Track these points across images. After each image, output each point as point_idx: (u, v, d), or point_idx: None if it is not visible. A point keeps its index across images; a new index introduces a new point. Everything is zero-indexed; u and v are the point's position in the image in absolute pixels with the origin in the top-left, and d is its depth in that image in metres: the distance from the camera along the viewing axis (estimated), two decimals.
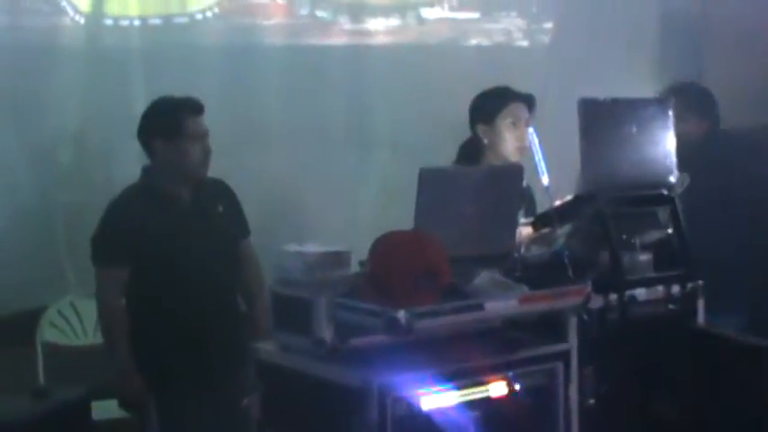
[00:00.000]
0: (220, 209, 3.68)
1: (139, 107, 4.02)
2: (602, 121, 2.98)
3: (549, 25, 5.38)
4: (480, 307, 2.59)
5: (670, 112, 3.07)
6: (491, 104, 3.66)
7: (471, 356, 2.63)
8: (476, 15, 5.14)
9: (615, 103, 3.03)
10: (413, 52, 4.91)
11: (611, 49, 5.29)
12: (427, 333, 2.54)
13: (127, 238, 3.51)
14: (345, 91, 4.68)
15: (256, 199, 3.94)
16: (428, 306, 2.51)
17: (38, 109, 4.00)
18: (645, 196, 3.04)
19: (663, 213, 3.07)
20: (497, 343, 2.72)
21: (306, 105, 4.54)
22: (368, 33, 4.82)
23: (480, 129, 3.67)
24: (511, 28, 5.26)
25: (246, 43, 4.48)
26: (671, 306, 2.97)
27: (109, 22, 4.17)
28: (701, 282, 2.99)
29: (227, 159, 3.76)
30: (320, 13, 4.66)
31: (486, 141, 3.65)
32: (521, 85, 3.78)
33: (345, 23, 4.73)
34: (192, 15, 4.35)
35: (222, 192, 3.73)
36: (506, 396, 2.66)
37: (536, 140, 3.12)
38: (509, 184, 2.90)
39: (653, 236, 3.07)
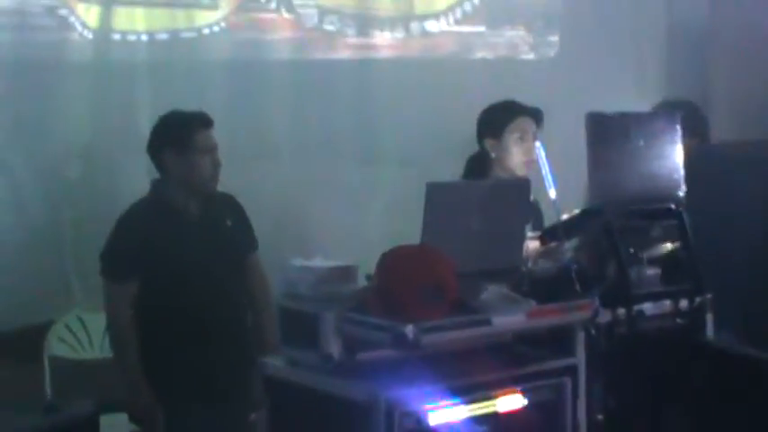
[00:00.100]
0: (229, 223, 3.70)
1: (147, 122, 4.04)
2: (610, 134, 2.98)
3: (554, 38, 5.38)
4: (488, 322, 2.60)
5: (678, 126, 3.07)
6: (498, 118, 3.67)
7: (479, 371, 2.63)
8: (481, 29, 5.14)
9: (623, 116, 3.04)
10: (419, 66, 4.91)
11: (618, 62, 5.29)
12: (435, 348, 2.54)
13: (136, 252, 3.52)
14: (352, 105, 4.68)
15: (263, 213, 3.94)
16: (436, 321, 2.52)
17: (45, 124, 4.01)
18: (652, 210, 3.04)
19: (670, 227, 3.07)
20: (505, 358, 2.72)
21: (313, 120, 4.54)
22: (374, 47, 4.82)
23: (488, 143, 3.68)
24: (516, 41, 5.26)
25: (254, 58, 4.49)
26: (679, 320, 2.96)
27: (116, 37, 4.18)
28: (709, 296, 2.98)
29: (234, 173, 3.77)
30: (327, 27, 4.67)
31: (493, 155, 3.66)
32: (527, 99, 3.78)
33: (351, 37, 4.74)
34: (199, 30, 4.36)
35: (231, 206, 3.74)
36: (514, 411, 2.66)
37: (543, 154, 3.12)
38: (516, 198, 2.90)
39: (661, 250, 3.07)
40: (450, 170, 3.85)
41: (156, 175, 3.69)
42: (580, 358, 2.77)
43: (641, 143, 3.00)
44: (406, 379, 2.53)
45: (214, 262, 3.60)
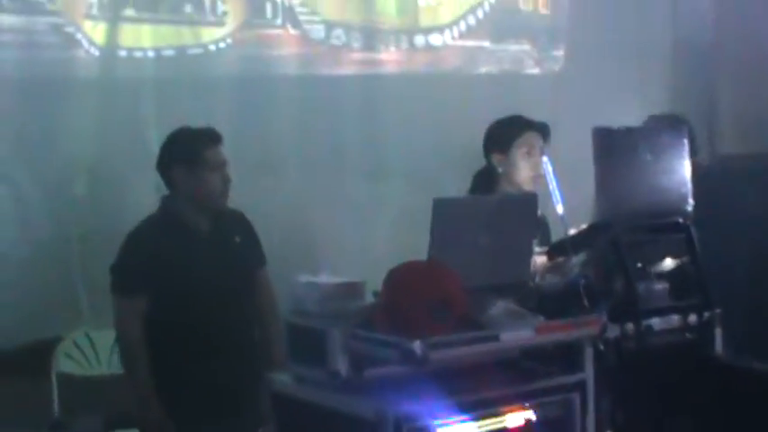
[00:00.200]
0: (238, 239, 3.72)
1: (153, 138, 4.06)
2: (617, 149, 2.98)
3: (559, 53, 5.39)
4: (496, 338, 2.59)
5: (685, 140, 3.07)
6: (506, 134, 3.67)
7: (488, 387, 2.62)
8: (486, 43, 5.15)
9: (629, 131, 3.04)
10: (424, 81, 4.92)
11: (623, 77, 5.30)
12: (443, 364, 2.53)
13: (146, 268, 3.53)
14: (358, 120, 4.69)
15: (270, 228, 3.94)
16: (443, 337, 2.51)
17: (52, 140, 4.02)
18: (660, 224, 3.03)
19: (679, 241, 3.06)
20: (513, 373, 2.71)
21: (319, 135, 4.55)
22: (379, 62, 4.84)
23: (495, 158, 3.68)
24: (521, 55, 5.27)
25: (260, 74, 4.50)
26: (688, 335, 2.95)
27: (123, 53, 4.19)
28: (718, 310, 2.97)
29: (241, 189, 3.77)
30: (333, 41, 4.68)
31: (500, 170, 3.66)
32: (532, 113, 3.78)
33: (357, 51, 4.75)
34: (205, 46, 4.37)
35: (240, 223, 3.76)
36: (523, 427, 2.65)
37: (550, 169, 3.12)
38: (524, 213, 2.90)
39: (669, 264, 3.06)
40: (456, 184, 3.85)
41: (164, 191, 3.70)
42: (589, 374, 2.76)
43: (648, 157, 3.00)
44: (414, 395, 2.52)
45: (223, 278, 3.61)
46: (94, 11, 4.11)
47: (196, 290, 3.55)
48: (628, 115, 4.69)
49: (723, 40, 5.59)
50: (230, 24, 4.42)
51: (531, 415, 2.66)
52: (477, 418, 2.57)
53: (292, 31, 4.57)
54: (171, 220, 3.63)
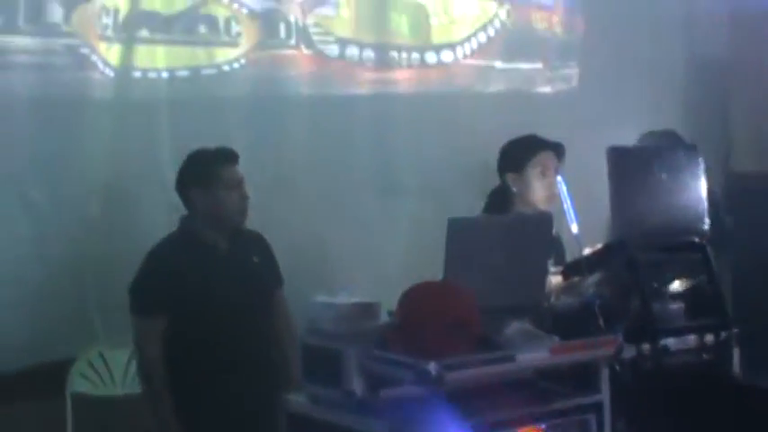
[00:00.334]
0: (256, 259, 3.75)
1: (168, 158, 4.07)
2: (632, 168, 2.98)
3: (571, 71, 5.38)
4: (511, 358, 2.58)
5: (700, 159, 3.06)
6: (520, 154, 3.68)
7: (503, 408, 2.60)
8: (499, 62, 5.15)
9: (644, 150, 3.04)
10: (436, 99, 4.92)
11: (637, 95, 5.28)
12: (458, 384, 2.52)
13: (166, 287, 3.55)
14: (371, 139, 4.69)
15: (283, 247, 3.94)
16: (459, 357, 2.50)
17: (67, 161, 4.03)
18: (676, 243, 3.02)
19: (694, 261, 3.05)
20: (529, 394, 2.70)
21: (332, 154, 4.55)
22: (392, 81, 4.84)
23: (509, 177, 3.67)
24: (533, 74, 5.27)
25: (273, 93, 4.50)
26: (705, 355, 2.93)
27: (137, 74, 4.21)
28: (735, 330, 2.95)
29: (255, 209, 3.79)
30: (346, 58, 4.69)
31: (515, 190, 3.66)
32: (544, 132, 3.78)
33: (370, 69, 4.76)
34: (219, 67, 4.38)
35: (258, 243, 3.79)
36: None
37: (565, 188, 3.12)
38: (539, 233, 2.89)
39: (685, 284, 3.04)
40: (469, 202, 3.85)
41: (178, 211, 3.73)
42: (605, 395, 2.74)
43: (664, 176, 2.99)
44: (429, 416, 2.51)
45: (242, 297, 3.63)
46: (109, 32, 4.13)
47: (215, 309, 3.57)
48: (642, 134, 4.69)
49: (738, 58, 5.58)
50: (244, 45, 4.43)
51: None
52: None
53: (306, 51, 4.58)
54: (190, 240, 3.65)
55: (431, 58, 4.93)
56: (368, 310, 2.74)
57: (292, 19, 4.54)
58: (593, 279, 2.95)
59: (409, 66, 4.86)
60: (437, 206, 4.38)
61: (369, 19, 4.77)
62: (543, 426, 2.63)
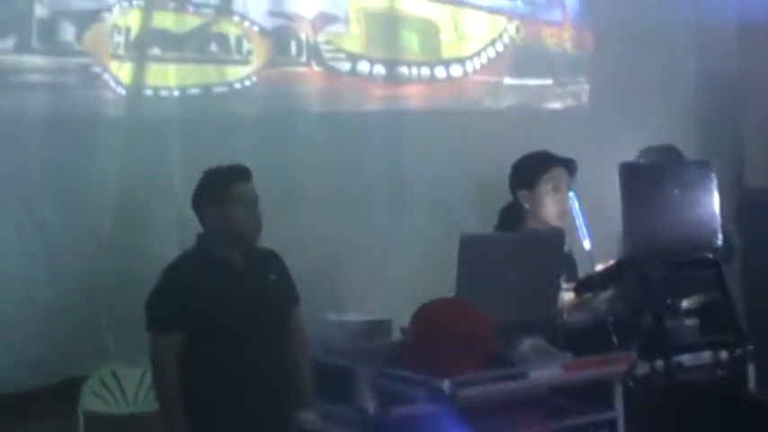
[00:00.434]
0: (272, 277, 3.76)
1: (179, 176, 4.08)
2: (644, 184, 2.97)
3: (581, 87, 5.38)
4: (524, 375, 2.57)
5: (713, 175, 3.06)
6: (532, 170, 3.67)
7: (517, 425, 2.59)
8: (508, 78, 5.16)
9: (656, 166, 3.04)
10: (447, 115, 4.92)
11: (647, 110, 5.27)
12: (471, 402, 2.51)
13: (182, 304, 3.55)
14: (382, 156, 4.70)
15: (294, 264, 3.94)
16: (472, 374, 2.49)
17: (79, 179, 4.04)
18: (689, 259, 3.01)
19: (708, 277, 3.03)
20: (542, 411, 2.69)
21: (343, 171, 4.55)
22: (403, 98, 4.85)
23: (521, 194, 3.67)
24: (543, 90, 5.27)
25: (285, 111, 4.51)
26: (719, 371, 2.92)
27: (149, 92, 4.22)
28: (750, 347, 2.94)
29: (266, 226, 3.78)
30: (357, 74, 4.70)
31: (527, 206, 3.65)
32: (554, 148, 3.78)
33: (380, 85, 4.77)
34: (230, 84, 4.40)
35: (274, 261, 3.80)
36: None
37: (577, 204, 3.11)
38: (551, 250, 2.89)
39: (698, 300, 3.03)
40: (480, 218, 3.84)
41: (189, 229, 3.74)
42: (619, 411, 2.73)
43: (676, 192, 2.98)
44: None
45: (258, 314, 3.63)
46: (121, 51, 4.15)
47: (232, 326, 3.57)
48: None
49: (748, 71, 5.56)
50: (255, 62, 4.45)
51: None
52: None
53: (317, 68, 4.60)
54: (206, 257, 3.67)
55: (440, 72, 4.94)
56: (380, 327, 2.74)
57: (303, 36, 4.56)
58: (605, 295, 2.95)
59: (419, 81, 4.87)
60: (448, 221, 4.38)
61: (379, 35, 4.78)
62: None
